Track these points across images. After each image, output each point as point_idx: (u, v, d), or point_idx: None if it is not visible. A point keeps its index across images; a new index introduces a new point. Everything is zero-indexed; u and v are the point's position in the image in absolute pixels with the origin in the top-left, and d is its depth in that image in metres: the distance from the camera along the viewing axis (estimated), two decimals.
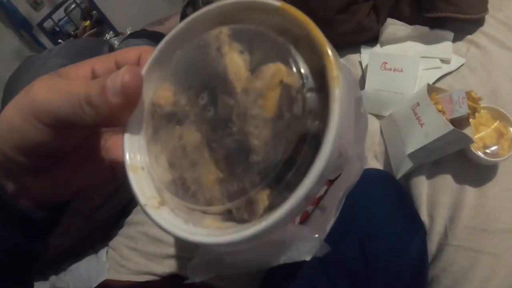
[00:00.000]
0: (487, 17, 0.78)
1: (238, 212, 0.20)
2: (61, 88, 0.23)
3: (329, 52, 0.18)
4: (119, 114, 0.23)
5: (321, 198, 0.58)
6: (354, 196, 0.48)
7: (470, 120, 0.68)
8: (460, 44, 0.80)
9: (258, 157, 0.19)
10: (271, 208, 0.19)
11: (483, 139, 0.66)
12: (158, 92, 0.23)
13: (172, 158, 0.22)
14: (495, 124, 0.66)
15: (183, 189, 0.22)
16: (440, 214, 0.67)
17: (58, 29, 1.68)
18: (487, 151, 0.65)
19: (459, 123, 0.68)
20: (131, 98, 0.23)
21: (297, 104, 0.18)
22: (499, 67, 0.73)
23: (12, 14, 1.48)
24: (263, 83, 0.19)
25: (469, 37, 0.79)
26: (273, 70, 0.19)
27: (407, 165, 0.72)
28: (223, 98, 0.20)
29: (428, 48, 0.84)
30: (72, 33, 1.70)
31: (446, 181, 0.69)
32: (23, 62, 0.85)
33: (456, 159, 0.69)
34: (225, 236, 0.19)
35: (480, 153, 0.64)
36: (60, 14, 1.66)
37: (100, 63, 0.27)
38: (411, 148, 0.70)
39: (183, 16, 1.23)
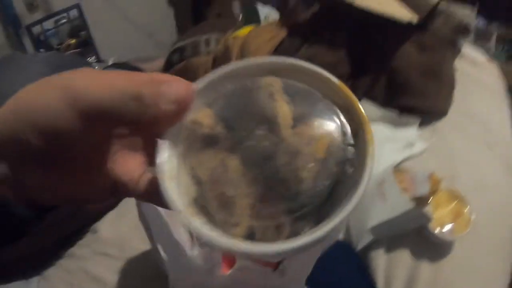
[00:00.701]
0: (451, 108, 0.87)
1: (265, 233, 0.22)
2: (106, 80, 0.23)
3: (368, 121, 0.24)
4: (163, 121, 0.23)
5: (280, 262, 0.59)
6: (315, 265, 0.49)
7: (430, 200, 0.72)
8: (425, 131, 0.87)
9: (306, 186, 0.22)
10: (294, 233, 0.22)
11: (440, 218, 0.70)
12: (200, 114, 0.25)
13: (209, 176, 0.24)
14: (452, 205, 0.70)
15: (215, 206, 0.23)
16: (396, 287, 0.67)
17: (43, 38, 1.65)
18: (444, 229, 0.68)
19: (420, 202, 0.72)
20: (181, 110, 0.23)
21: (340, 152, 0.23)
22: (458, 154, 0.80)
23: (6, 8, 1.45)
24: (316, 132, 0.24)
25: (434, 125, 0.87)
26: (326, 124, 0.24)
27: (368, 238, 0.73)
28: (268, 135, 0.24)
29: (395, 131, 0.91)
30: (55, 46, 1.63)
31: (403, 255, 0.71)
32: (6, 58, 0.83)
33: (414, 235, 0.72)
34: (271, 246, 0.21)
35: (437, 231, 0.67)
36: (51, 23, 1.61)
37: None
38: (373, 222, 0.72)
39: (169, 61, 1.28)
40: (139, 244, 0.79)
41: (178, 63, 1.25)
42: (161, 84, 0.23)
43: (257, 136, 0.24)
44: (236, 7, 1.80)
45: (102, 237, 0.83)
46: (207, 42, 1.27)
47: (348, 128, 0.24)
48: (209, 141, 0.24)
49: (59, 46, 1.64)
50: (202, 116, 0.24)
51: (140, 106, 0.22)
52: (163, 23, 1.94)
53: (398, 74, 0.88)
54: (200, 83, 0.25)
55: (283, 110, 0.24)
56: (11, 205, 0.25)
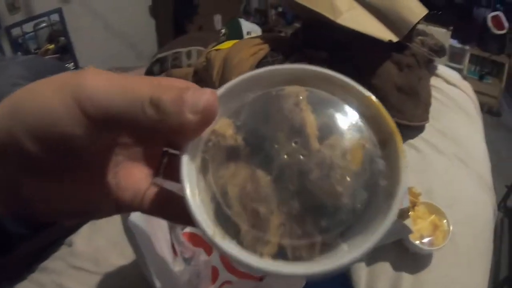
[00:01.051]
0: (427, 125, 0.90)
1: (297, 251, 0.21)
2: (120, 82, 0.20)
3: (398, 132, 0.22)
4: (184, 132, 0.21)
5: (264, 276, 0.58)
6: None
7: (410, 213, 0.74)
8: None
9: (343, 202, 0.21)
10: (327, 251, 0.21)
11: (420, 230, 0.71)
12: (220, 124, 0.23)
13: (238, 192, 0.22)
14: (431, 218, 0.72)
15: (246, 223, 0.21)
16: None
17: (22, 41, 1.58)
18: (423, 241, 0.70)
19: (400, 215, 0.73)
20: (206, 121, 0.21)
21: (374, 164, 0.22)
22: (434, 169, 0.83)
23: None
24: (350, 143, 0.22)
25: (410, 141, 0.90)
26: (356, 135, 0.23)
27: None
28: (299, 148, 0.22)
29: None
30: (33, 51, 1.59)
31: (384, 268, 0.72)
32: None
33: (394, 248, 0.73)
34: (314, 267, 0.20)
35: (417, 243, 0.69)
36: (30, 27, 1.57)
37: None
38: None
39: (149, 71, 1.27)
40: (115, 258, 0.77)
41: (158, 74, 1.25)
42: (184, 91, 0.20)
43: (288, 149, 0.22)
44: (218, 22, 1.82)
45: (77, 250, 0.80)
46: (189, 54, 1.28)
47: (375, 139, 0.23)
48: (233, 154, 0.22)
49: (37, 51, 1.59)
50: (223, 126, 0.22)
51: (158, 113, 0.20)
52: (144, 33, 1.94)
53: (377, 91, 0.90)
54: (219, 91, 0.22)
55: (310, 120, 0.22)
56: (1, 221, 0.23)
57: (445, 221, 0.71)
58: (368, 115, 0.23)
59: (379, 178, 0.22)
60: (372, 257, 0.73)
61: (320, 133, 0.22)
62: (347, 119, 0.23)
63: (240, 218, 0.21)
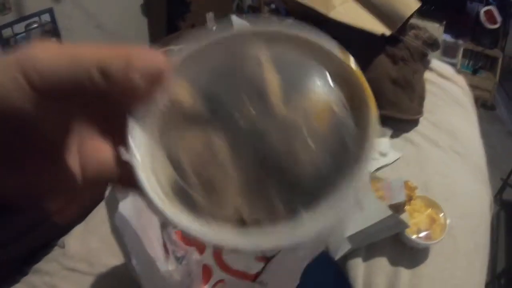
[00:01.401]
0: (421, 119, 0.90)
1: (255, 223, 0.20)
2: (66, 50, 0.20)
3: (372, 95, 0.21)
4: (134, 98, 0.20)
5: (258, 274, 0.57)
6: None
7: (406, 207, 0.73)
8: (397, 141, 0.89)
9: (306, 169, 0.20)
10: (289, 221, 0.19)
11: (417, 224, 0.71)
12: (177, 89, 0.21)
13: (192, 161, 0.21)
14: (427, 211, 0.72)
15: (201, 193, 0.20)
16: None
17: (13, 42, 1.56)
18: (420, 235, 0.69)
19: (396, 209, 0.73)
20: (155, 85, 0.20)
21: (342, 129, 0.20)
22: (430, 163, 0.82)
23: None
24: (317, 105, 0.20)
25: (405, 135, 0.90)
26: (325, 97, 0.21)
27: (346, 247, 0.73)
28: (259, 111, 0.20)
29: None
30: None
31: (382, 263, 0.71)
32: None
33: (391, 242, 0.72)
34: (276, 239, 0.19)
35: (414, 237, 0.68)
36: (21, 27, 1.57)
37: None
38: (350, 231, 0.72)
39: None
40: (109, 259, 0.76)
41: None
42: (131, 55, 0.20)
43: (247, 112, 0.21)
44: (211, 19, 1.81)
45: (70, 251, 0.79)
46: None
47: (346, 101, 0.21)
48: (189, 120, 0.21)
49: None
50: (180, 91, 0.21)
51: (106, 80, 0.19)
52: (136, 32, 1.93)
53: (371, 85, 0.90)
54: (178, 54, 0.21)
55: (273, 82, 0.21)
56: None
57: (442, 214, 0.70)
58: (341, 79, 0.22)
59: (348, 144, 0.20)
60: (369, 253, 0.73)
61: (283, 95, 0.21)
62: (316, 81, 0.21)
63: (195, 188, 0.20)
